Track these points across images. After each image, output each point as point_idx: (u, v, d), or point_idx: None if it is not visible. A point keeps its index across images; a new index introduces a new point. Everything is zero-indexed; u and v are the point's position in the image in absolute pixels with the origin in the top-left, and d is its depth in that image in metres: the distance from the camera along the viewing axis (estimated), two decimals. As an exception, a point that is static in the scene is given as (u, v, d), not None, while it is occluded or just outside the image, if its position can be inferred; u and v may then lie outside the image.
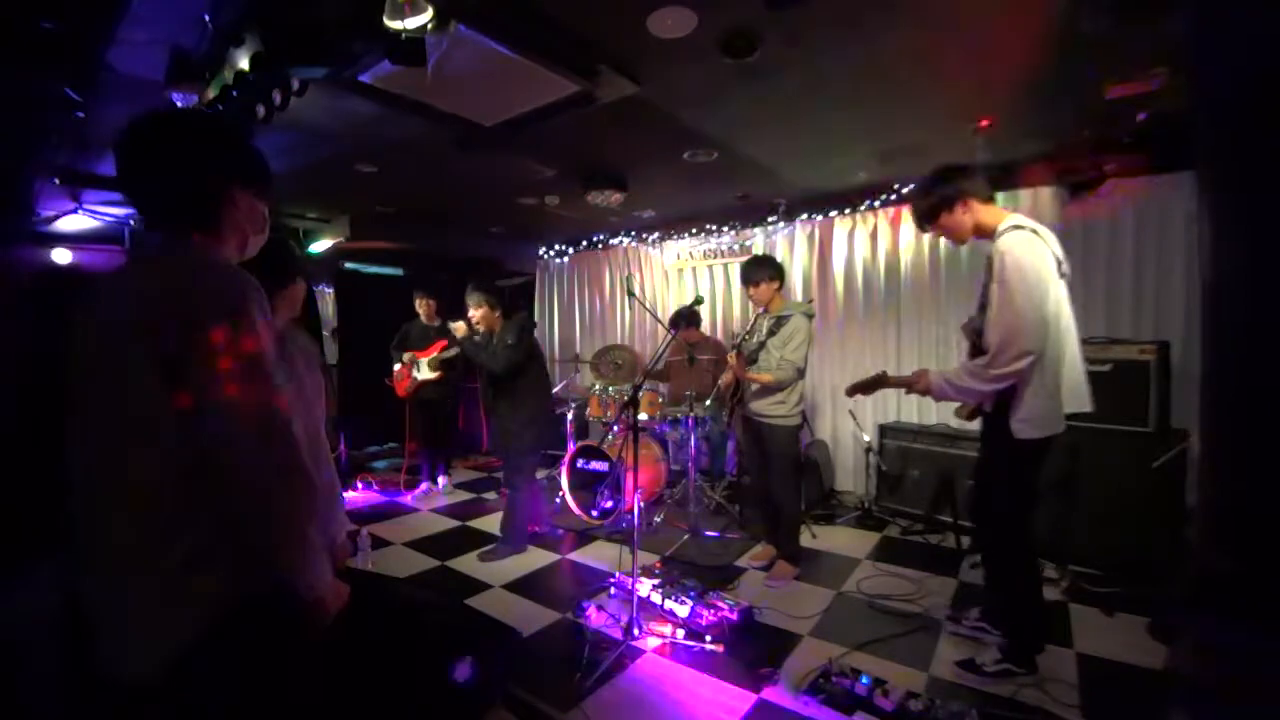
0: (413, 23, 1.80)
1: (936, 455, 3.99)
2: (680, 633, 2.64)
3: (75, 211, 4.25)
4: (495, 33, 2.15)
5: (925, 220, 2.30)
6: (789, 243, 5.25)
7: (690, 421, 4.13)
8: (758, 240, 5.40)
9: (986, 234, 2.21)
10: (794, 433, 3.28)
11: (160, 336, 0.92)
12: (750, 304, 3.42)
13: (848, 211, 4.87)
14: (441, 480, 5.08)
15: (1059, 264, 2.15)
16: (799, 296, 5.06)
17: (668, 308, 6.03)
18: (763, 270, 3.26)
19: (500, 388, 3.62)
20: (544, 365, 3.84)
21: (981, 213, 2.22)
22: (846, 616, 2.87)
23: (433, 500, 4.91)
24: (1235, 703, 0.77)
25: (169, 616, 0.94)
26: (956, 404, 2.51)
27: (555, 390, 4.60)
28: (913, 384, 2.38)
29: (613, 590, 3.10)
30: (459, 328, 3.66)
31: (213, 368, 0.92)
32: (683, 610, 2.69)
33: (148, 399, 0.93)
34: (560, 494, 4.44)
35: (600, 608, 2.89)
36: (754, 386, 3.25)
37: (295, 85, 2.19)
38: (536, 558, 3.68)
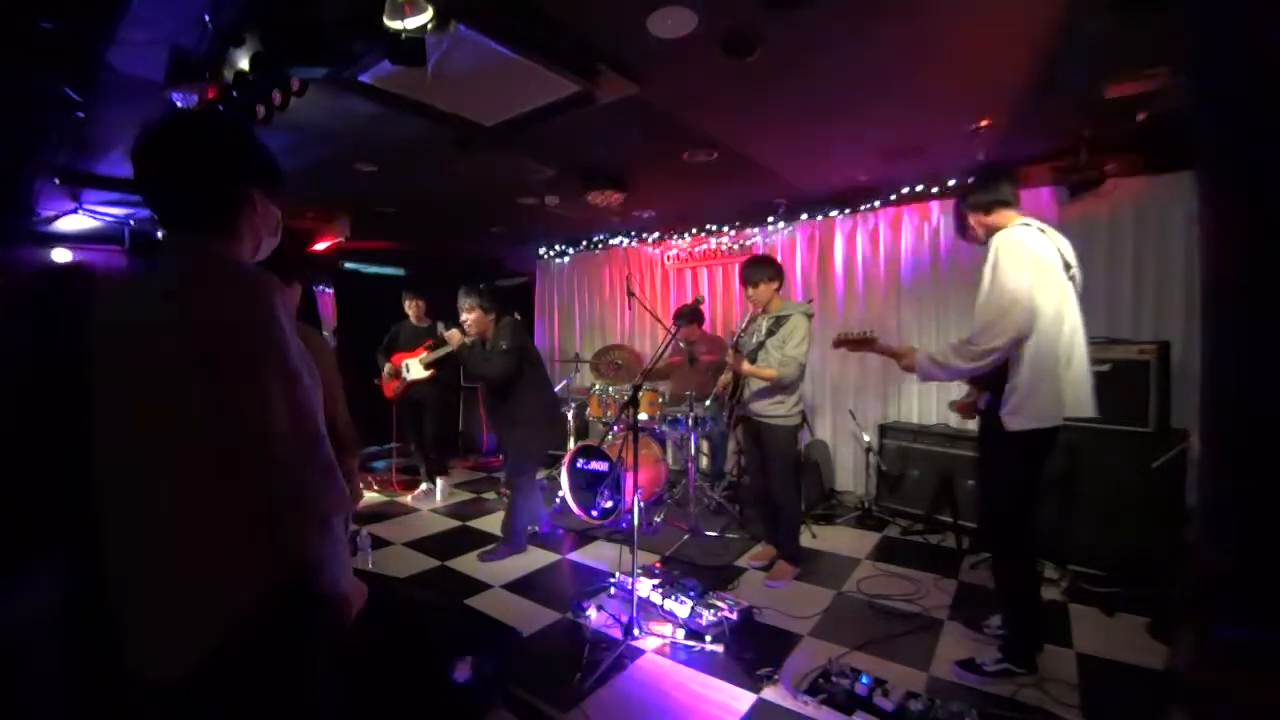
0: (413, 23, 1.81)
1: (936, 455, 3.99)
2: (680, 633, 2.64)
3: (75, 211, 4.25)
4: (495, 33, 2.15)
5: (962, 226, 2.41)
6: (789, 243, 5.25)
7: (690, 421, 4.14)
8: (758, 240, 5.40)
9: (994, 233, 2.26)
10: (793, 433, 3.28)
11: (192, 336, 0.93)
12: (750, 304, 3.42)
13: (848, 211, 4.87)
14: (440, 483, 5.03)
15: (1068, 267, 2.17)
16: (799, 296, 5.06)
17: (668, 308, 6.03)
18: (762, 270, 3.26)
19: (499, 394, 3.63)
20: (542, 366, 3.84)
21: (987, 220, 2.30)
22: (846, 616, 2.87)
23: (433, 500, 4.91)
24: (1235, 702, 0.77)
25: (201, 616, 0.94)
26: (956, 403, 2.53)
27: (556, 389, 4.59)
28: (900, 357, 2.45)
29: (613, 590, 3.10)
30: (453, 336, 3.64)
31: (244, 366, 0.94)
32: (683, 610, 2.69)
33: (180, 398, 0.94)
34: (560, 494, 4.44)
35: (600, 608, 2.89)
36: (753, 387, 3.25)
37: (295, 85, 2.19)
38: (536, 558, 3.69)
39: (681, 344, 4.62)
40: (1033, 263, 2.09)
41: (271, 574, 0.98)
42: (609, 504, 4.09)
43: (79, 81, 2.39)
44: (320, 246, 5.32)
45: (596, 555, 3.73)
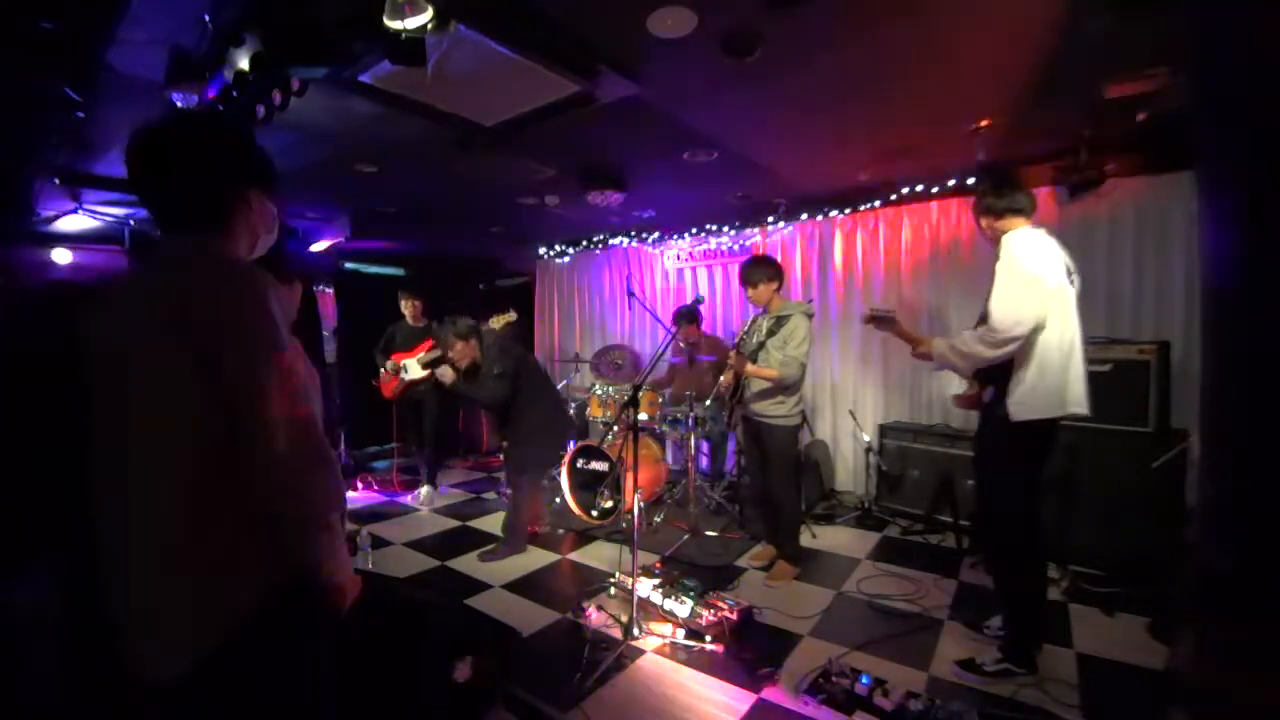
0: (413, 23, 1.80)
1: (936, 455, 3.99)
2: (680, 633, 2.64)
3: (75, 211, 4.25)
4: (495, 33, 2.15)
5: (977, 221, 2.49)
6: (789, 243, 5.25)
7: (690, 421, 4.13)
8: (757, 240, 5.40)
9: (998, 239, 2.33)
10: (794, 433, 3.28)
11: (190, 335, 0.94)
12: (750, 304, 3.42)
13: (848, 211, 4.87)
14: (433, 491, 5.01)
15: (1069, 272, 2.24)
16: (799, 296, 5.06)
17: (668, 308, 6.03)
18: (762, 271, 3.26)
19: (498, 414, 3.66)
20: (541, 377, 3.84)
21: (994, 224, 2.37)
22: (846, 616, 2.87)
23: (432, 500, 4.90)
24: (1235, 702, 0.77)
25: (200, 616, 0.95)
26: (959, 397, 2.56)
27: (558, 397, 4.60)
28: (917, 344, 2.48)
29: (613, 590, 3.10)
30: (445, 374, 3.63)
31: (242, 364, 0.95)
32: (683, 610, 2.69)
33: (178, 398, 0.94)
34: (560, 494, 4.44)
35: (600, 608, 2.89)
36: (754, 387, 3.25)
37: (295, 85, 2.19)
38: (536, 558, 3.69)
39: (682, 344, 4.62)
40: (1045, 257, 2.18)
41: (271, 573, 0.99)
42: (609, 504, 4.09)
43: (79, 81, 2.39)
44: (320, 246, 5.32)
45: (596, 555, 3.73)
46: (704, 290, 5.78)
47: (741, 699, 2.22)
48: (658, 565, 3.35)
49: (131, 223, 4.56)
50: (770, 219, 5.22)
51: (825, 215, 4.99)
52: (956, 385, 4.32)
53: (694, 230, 5.73)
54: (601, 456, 4.19)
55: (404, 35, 1.86)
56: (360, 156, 3.62)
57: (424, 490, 4.96)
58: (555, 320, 7.10)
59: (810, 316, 3.22)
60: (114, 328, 1.01)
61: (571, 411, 4.95)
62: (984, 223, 2.42)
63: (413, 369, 4.72)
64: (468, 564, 3.61)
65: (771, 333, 3.19)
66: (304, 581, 1.02)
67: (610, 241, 6.36)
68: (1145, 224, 3.67)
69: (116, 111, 2.70)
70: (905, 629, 2.71)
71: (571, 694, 2.24)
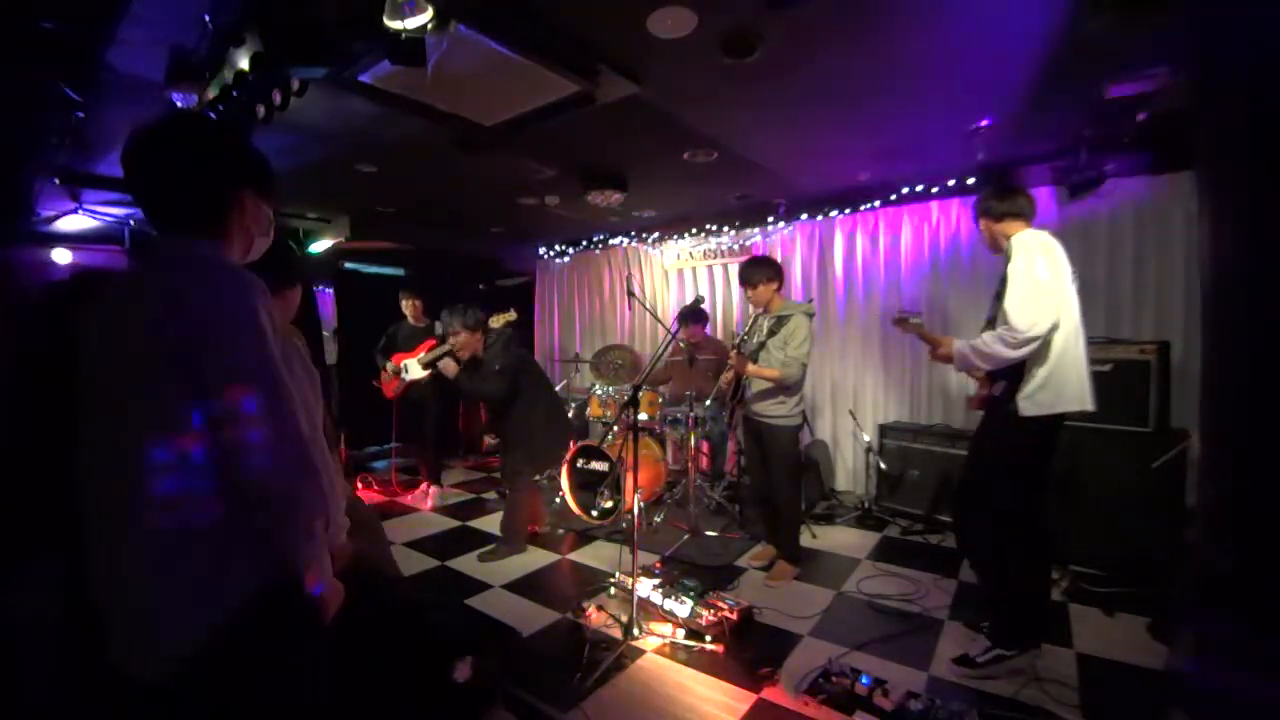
0: (413, 23, 1.81)
1: (936, 455, 3.99)
2: (680, 633, 2.64)
3: (75, 211, 4.25)
4: (495, 33, 2.15)
5: (978, 225, 2.52)
6: (789, 243, 5.25)
7: (690, 421, 4.13)
8: (757, 240, 5.40)
9: (1002, 242, 2.37)
10: (794, 433, 3.28)
11: (174, 338, 0.94)
12: (750, 304, 3.42)
13: (848, 211, 4.87)
14: (434, 490, 4.99)
15: (1070, 272, 2.26)
16: (799, 296, 5.06)
17: (668, 308, 6.03)
18: (762, 271, 3.26)
19: (497, 412, 3.66)
20: (542, 377, 3.84)
21: (999, 228, 2.39)
22: (846, 616, 2.87)
23: (432, 500, 4.90)
24: (1235, 702, 0.77)
25: (187, 615, 0.95)
26: (973, 398, 2.58)
27: (558, 399, 4.60)
28: (937, 345, 2.49)
29: (613, 590, 3.10)
30: (448, 366, 3.62)
31: (224, 368, 0.94)
32: (683, 610, 2.69)
33: (164, 400, 0.95)
34: (560, 494, 4.44)
35: (600, 608, 2.89)
36: (754, 387, 3.25)
37: (295, 85, 2.19)
38: (536, 558, 3.69)
39: (682, 344, 4.61)
40: (1058, 258, 2.21)
41: (257, 575, 0.99)
42: (609, 504, 4.09)
43: (79, 81, 2.39)
44: (320, 246, 5.32)
45: (596, 555, 3.73)
46: (704, 290, 5.78)
47: (741, 699, 2.22)
48: (658, 565, 3.35)
49: (131, 223, 4.56)
50: (770, 219, 5.22)
51: (825, 215, 4.99)
52: (955, 386, 4.34)
53: (694, 230, 5.73)
54: (601, 456, 4.19)
55: (404, 35, 1.86)
56: (360, 156, 3.62)
57: (432, 489, 4.97)
58: (555, 320, 7.10)
59: (811, 316, 3.22)
60: (103, 327, 1.02)
61: (571, 412, 4.96)
62: (982, 225, 2.45)
63: (413, 369, 4.72)
64: (468, 564, 3.61)
65: (772, 333, 3.19)
66: (291, 584, 1.02)
67: (610, 241, 6.36)
68: (1145, 224, 3.67)
69: (116, 111, 2.70)
70: (905, 629, 2.71)
71: (571, 694, 2.24)
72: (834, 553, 3.67)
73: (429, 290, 5.05)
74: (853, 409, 4.75)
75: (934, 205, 4.47)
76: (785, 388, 3.16)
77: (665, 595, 2.80)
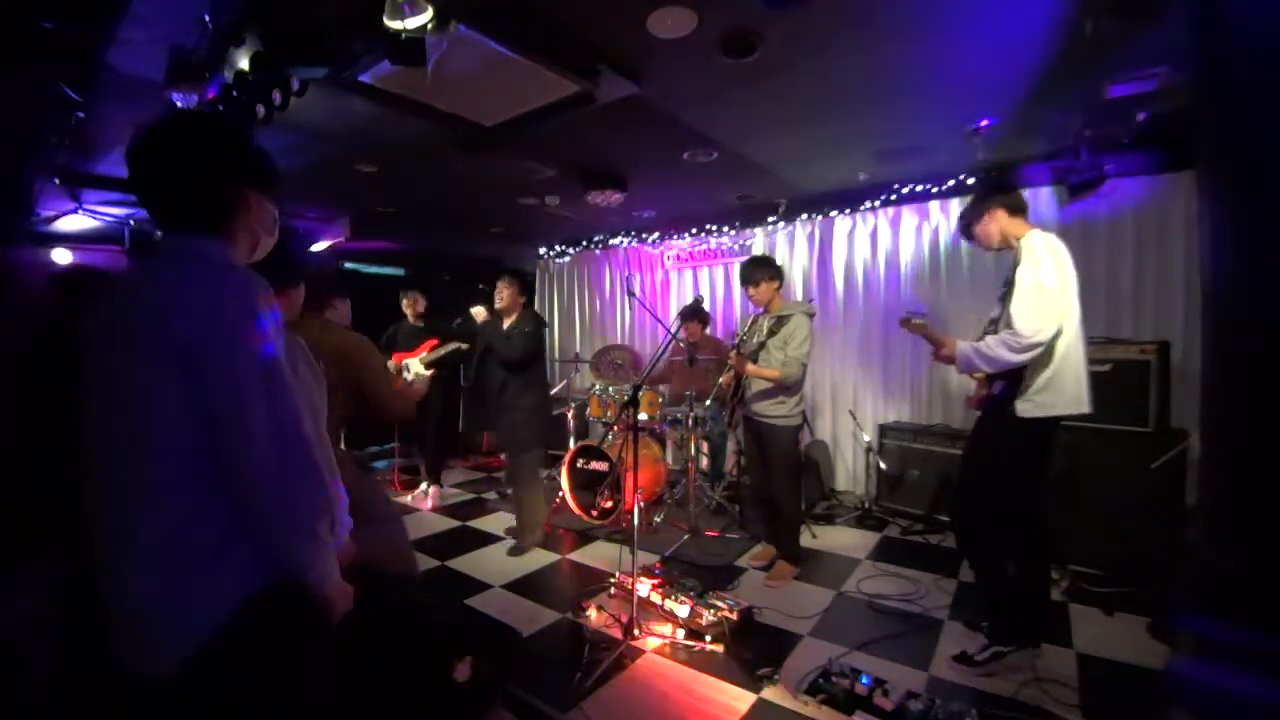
0: (413, 23, 1.81)
1: (936, 455, 3.99)
2: (680, 633, 2.64)
3: (75, 211, 4.26)
4: (495, 33, 2.15)
5: (966, 234, 2.49)
6: (789, 243, 5.25)
7: (690, 421, 4.13)
8: (758, 240, 5.40)
9: (1009, 241, 2.34)
10: (794, 433, 3.28)
11: (176, 338, 0.94)
12: (750, 304, 3.42)
13: (848, 211, 4.87)
14: (434, 490, 4.99)
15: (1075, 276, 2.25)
16: (799, 296, 5.06)
17: (668, 308, 6.03)
18: (762, 270, 3.26)
19: (510, 376, 3.69)
20: (546, 362, 3.90)
21: (1006, 223, 2.35)
22: (846, 616, 2.87)
23: (432, 500, 4.90)
24: (1235, 702, 0.77)
25: (188, 613, 0.95)
26: (972, 398, 2.57)
27: (554, 391, 4.62)
28: (941, 345, 2.47)
29: (613, 590, 3.10)
30: (479, 313, 3.75)
31: (225, 368, 0.95)
32: (683, 610, 2.69)
33: (165, 399, 0.95)
34: (560, 494, 4.44)
35: (600, 608, 2.89)
36: (754, 387, 3.25)
37: (295, 85, 2.19)
38: (537, 558, 3.68)
39: (683, 344, 4.61)
40: (1066, 262, 2.20)
41: (257, 575, 0.99)
42: (609, 504, 4.09)
43: (79, 81, 2.39)
44: (320, 246, 5.32)
45: (596, 555, 3.73)
46: (704, 290, 5.78)
47: (741, 699, 2.22)
48: (658, 565, 3.35)
49: (131, 223, 4.56)
50: (770, 219, 5.22)
51: (825, 215, 4.99)
52: (955, 387, 4.34)
53: (694, 230, 5.73)
54: (601, 456, 4.19)
55: (404, 35, 1.86)
56: (360, 156, 3.62)
57: (431, 489, 4.96)
58: (555, 320, 7.10)
59: (811, 316, 3.22)
60: (105, 327, 1.02)
61: (571, 412, 4.96)
62: (1004, 223, 2.35)
63: (414, 368, 4.71)
64: (468, 564, 3.61)
65: (772, 333, 3.19)
66: (293, 583, 1.02)
67: (610, 241, 6.36)
68: (1145, 224, 3.67)
69: (116, 111, 2.70)
70: (905, 629, 2.71)
71: (571, 694, 2.24)
72: (834, 553, 3.67)
73: (429, 290, 5.05)
74: (853, 409, 4.75)
75: (934, 205, 4.47)
76: (785, 387, 3.16)
77: (665, 595, 2.80)
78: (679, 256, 5.97)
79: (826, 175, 4.21)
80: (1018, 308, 2.17)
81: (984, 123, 3.14)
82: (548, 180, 4.11)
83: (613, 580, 3.15)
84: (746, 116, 3.09)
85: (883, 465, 4.26)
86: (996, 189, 2.42)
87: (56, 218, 4.35)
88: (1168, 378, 3.05)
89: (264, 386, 0.96)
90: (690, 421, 4.14)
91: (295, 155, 3.46)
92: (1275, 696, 0.73)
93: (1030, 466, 2.32)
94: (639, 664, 2.47)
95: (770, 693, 2.25)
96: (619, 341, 6.27)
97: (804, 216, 5.08)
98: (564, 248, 6.85)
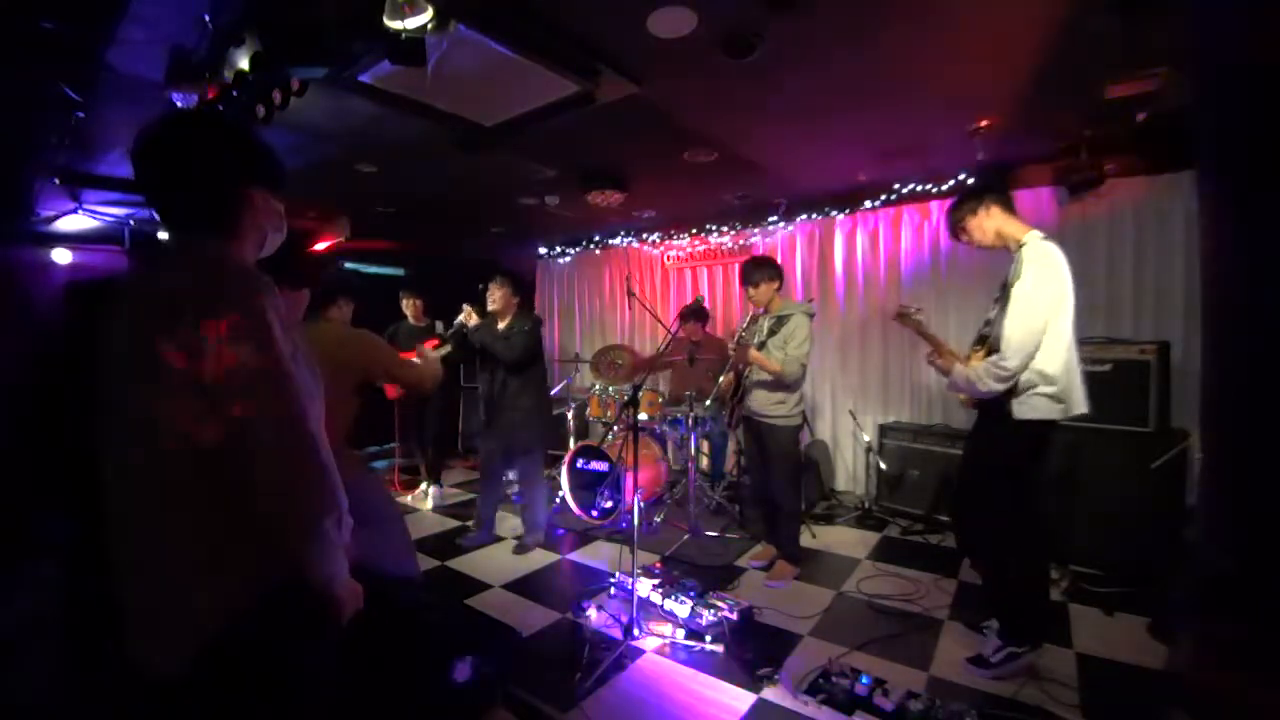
0: (413, 23, 1.81)
1: (936, 455, 3.99)
2: (680, 633, 2.64)
3: (75, 211, 4.25)
4: (495, 33, 2.15)
5: (956, 230, 2.46)
6: (789, 243, 5.25)
7: (690, 421, 4.13)
8: (758, 240, 5.40)
9: (1009, 243, 2.32)
10: (794, 433, 3.28)
11: (183, 338, 0.94)
12: (750, 304, 3.42)
13: (848, 211, 4.87)
14: (434, 490, 5.00)
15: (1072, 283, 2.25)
16: (799, 296, 5.06)
17: (668, 308, 6.03)
18: (762, 271, 3.26)
19: (509, 377, 3.69)
20: (545, 362, 3.89)
21: (1003, 221, 2.33)
22: (846, 616, 2.87)
23: (433, 500, 4.90)
24: (1235, 702, 0.77)
25: (194, 614, 0.95)
26: (967, 401, 2.57)
27: (554, 391, 4.62)
28: (938, 349, 2.49)
29: (613, 590, 3.10)
30: (468, 313, 3.69)
31: (231, 366, 0.94)
32: (683, 610, 2.69)
33: (172, 401, 0.95)
34: (560, 494, 4.44)
35: (600, 608, 2.89)
36: (754, 375, 3.25)
37: (295, 85, 2.19)
38: (537, 558, 3.69)
39: (684, 340, 4.61)
40: (1063, 277, 2.18)
41: (264, 573, 0.99)
42: (609, 504, 4.09)
43: (79, 81, 2.39)
44: (320, 246, 5.31)
45: (596, 555, 3.73)
46: (704, 290, 5.78)
47: (741, 699, 2.22)
48: (658, 565, 3.35)
49: (131, 223, 4.56)
50: (770, 219, 5.22)
51: (825, 215, 4.99)
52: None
53: (694, 230, 5.73)
54: (601, 456, 4.19)
55: (404, 35, 1.86)
56: (360, 156, 3.62)
57: (431, 489, 4.96)
58: (555, 320, 7.10)
59: (811, 316, 3.22)
60: (111, 328, 1.02)
61: (571, 412, 4.96)
62: (988, 216, 2.33)
63: (425, 355, 4.70)
64: (468, 564, 3.61)
65: (773, 332, 3.19)
66: (300, 582, 1.02)
67: (610, 241, 6.36)
68: (1145, 224, 3.67)
69: (116, 111, 2.70)
70: (905, 629, 2.71)
71: (571, 694, 2.24)
72: (834, 553, 3.67)
73: (429, 290, 5.04)
74: (853, 409, 4.75)
75: (934, 205, 4.47)
76: (785, 387, 3.16)
77: (665, 595, 2.80)
78: (679, 256, 5.97)
79: (826, 175, 4.20)
80: (1011, 328, 2.17)
81: (984, 123, 3.14)
82: (547, 180, 4.11)
83: (613, 580, 3.15)
84: (746, 116, 3.08)
85: (883, 465, 4.26)
86: (990, 186, 2.41)
87: (56, 218, 4.34)
88: (1168, 378, 3.05)
89: (271, 384, 0.96)
90: (690, 421, 4.14)
91: (295, 155, 3.46)
92: (1275, 697, 0.73)
93: (1029, 467, 2.32)
94: (639, 664, 2.47)
95: (770, 693, 2.25)
96: (619, 341, 6.27)
97: (804, 216, 5.08)
98: (564, 248, 6.85)
